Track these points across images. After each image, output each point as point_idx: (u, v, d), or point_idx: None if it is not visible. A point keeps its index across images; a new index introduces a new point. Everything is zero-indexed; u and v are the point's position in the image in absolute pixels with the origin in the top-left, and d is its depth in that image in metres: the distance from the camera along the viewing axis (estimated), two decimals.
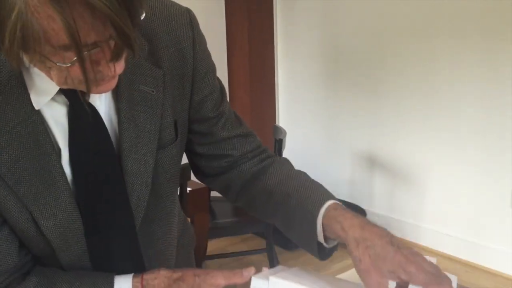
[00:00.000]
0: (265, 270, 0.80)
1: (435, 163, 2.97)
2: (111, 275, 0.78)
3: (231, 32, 3.37)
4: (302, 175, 0.88)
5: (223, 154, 0.88)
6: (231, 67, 3.41)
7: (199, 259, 2.13)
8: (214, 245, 3.00)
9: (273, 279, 0.72)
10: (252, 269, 0.77)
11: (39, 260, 0.78)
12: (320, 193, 0.81)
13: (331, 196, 0.81)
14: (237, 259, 2.92)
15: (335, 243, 0.80)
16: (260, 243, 2.81)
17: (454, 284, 0.98)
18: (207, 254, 2.65)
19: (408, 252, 0.69)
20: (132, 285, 0.77)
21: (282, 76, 3.70)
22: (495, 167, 2.71)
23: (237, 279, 0.76)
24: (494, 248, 2.72)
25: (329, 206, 0.78)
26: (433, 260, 1.00)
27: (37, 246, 0.75)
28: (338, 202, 0.80)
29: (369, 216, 3.32)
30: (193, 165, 0.93)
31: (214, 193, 2.52)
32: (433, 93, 2.89)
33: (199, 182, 2.45)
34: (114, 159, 0.75)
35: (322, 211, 0.78)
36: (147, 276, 0.77)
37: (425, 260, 0.69)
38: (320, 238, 0.78)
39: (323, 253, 0.81)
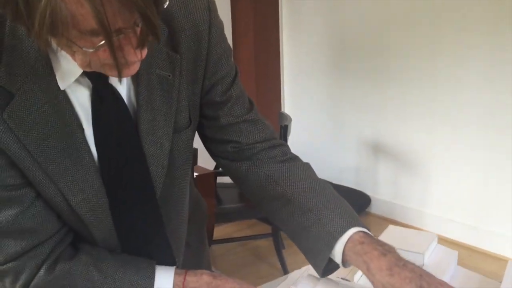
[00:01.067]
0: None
1: (439, 149, 2.98)
2: (153, 265, 0.80)
3: (236, 19, 3.38)
4: (326, 188, 0.86)
5: (228, 139, 0.87)
6: (236, 55, 3.42)
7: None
8: (220, 231, 3.03)
9: None
10: None
11: (77, 236, 0.81)
12: (345, 216, 0.80)
13: (355, 220, 0.79)
14: (243, 244, 2.96)
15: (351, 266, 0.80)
16: (266, 229, 2.84)
17: (454, 260, 1.01)
18: (213, 239, 2.68)
19: None
20: (174, 284, 0.80)
21: (287, 63, 3.71)
22: (499, 153, 2.73)
23: None
24: (497, 233, 2.74)
25: (354, 236, 0.76)
26: (433, 237, 1.03)
27: (69, 219, 0.78)
28: (363, 229, 0.78)
29: (374, 203, 3.35)
30: (206, 147, 0.94)
31: (220, 180, 2.55)
32: (437, 80, 2.90)
33: (206, 167, 2.47)
34: (136, 141, 0.77)
35: (345, 238, 0.77)
36: (190, 278, 0.80)
37: None
38: (338, 260, 0.78)
39: (325, 270, 0.81)
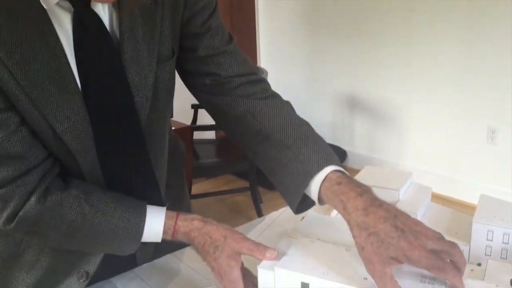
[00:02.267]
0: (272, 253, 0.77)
1: (415, 103, 3.01)
2: (144, 204, 0.80)
3: None
4: (305, 126, 0.85)
5: (207, 71, 0.86)
6: None
7: None
8: (198, 188, 3.04)
9: (278, 270, 0.71)
10: (275, 252, 0.75)
11: (64, 168, 0.80)
12: (322, 154, 0.78)
13: (332, 159, 0.78)
14: (221, 200, 2.97)
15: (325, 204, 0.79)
16: (243, 185, 2.86)
17: (428, 196, 1.03)
18: (191, 194, 2.69)
19: (412, 235, 0.66)
20: (165, 226, 0.79)
21: (263, 18, 3.66)
22: (472, 105, 2.77)
23: (258, 255, 0.76)
24: (471, 183, 2.81)
25: (331, 176, 0.75)
26: (408, 174, 1.04)
27: (55, 148, 0.76)
28: (339, 168, 0.77)
29: (350, 157, 3.38)
30: (185, 83, 0.92)
31: (197, 136, 2.54)
32: (412, 36, 2.90)
33: (181, 122, 2.44)
34: (119, 70, 0.76)
35: (321, 176, 0.75)
36: (181, 223, 0.79)
37: (429, 237, 0.66)
38: (314, 198, 0.77)
39: (299, 207, 0.81)
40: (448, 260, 0.66)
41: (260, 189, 2.74)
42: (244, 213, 2.84)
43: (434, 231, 0.69)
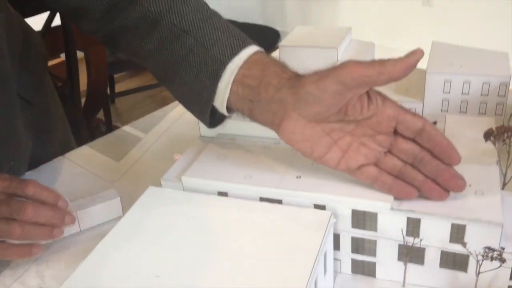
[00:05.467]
0: (178, 157, 0.60)
1: None
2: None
3: None
4: (206, 6, 0.60)
5: None
6: None
7: (102, 99, 1.93)
8: (122, 86, 2.79)
9: (186, 180, 0.56)
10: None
11: None
12: (235, 34, 0.56)
13: (249, 40, 0.56)
14: (150, 95, 2.76)
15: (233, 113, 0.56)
16: None
17: (371, 53, 0.88)
18: (116, 92, 2.46)
19: None
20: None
21: None
22: None
23: None
24: (410, 49, 2.74)
25: (253, 57, 0.54)
26: (346, 30, 0.89)
27: None
28: (261, 49, 0.56)
29: (283, 37, 3.22)
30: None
31: None
32: None
33: None
34: None
35: (237, 62, 0.53)
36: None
37: None
38: (223, 100, 0.54)
39: (213, 119, 0.58)
40: None
41: None
42: None
43: None
